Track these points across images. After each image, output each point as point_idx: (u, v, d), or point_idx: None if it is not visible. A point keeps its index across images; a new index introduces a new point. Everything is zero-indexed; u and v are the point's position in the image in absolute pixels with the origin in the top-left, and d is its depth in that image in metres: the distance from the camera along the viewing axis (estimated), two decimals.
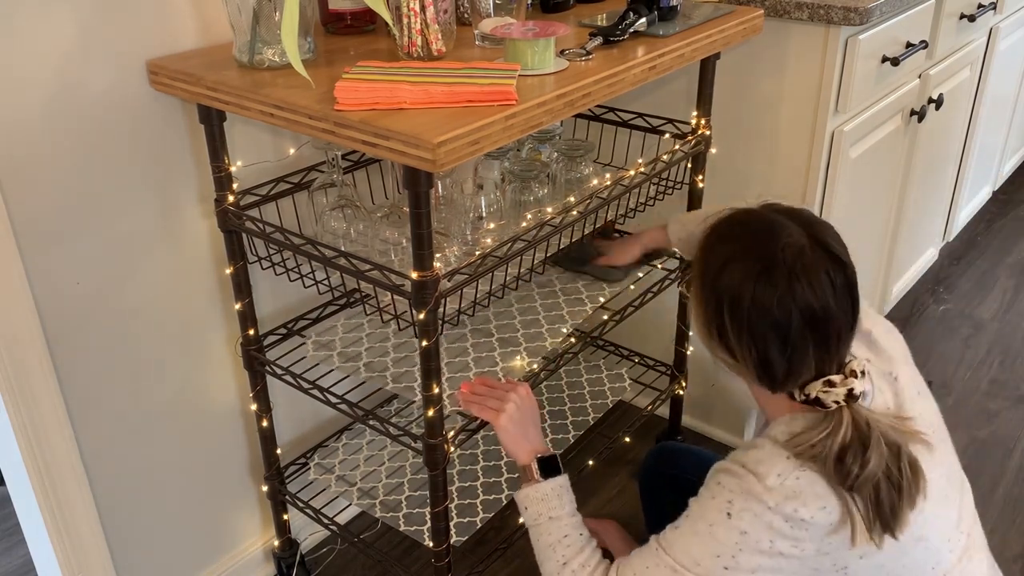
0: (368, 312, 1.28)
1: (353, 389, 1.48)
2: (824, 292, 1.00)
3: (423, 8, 1.15)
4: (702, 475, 1.44)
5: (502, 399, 1.26)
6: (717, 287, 1.04)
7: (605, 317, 1.53)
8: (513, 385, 1.29)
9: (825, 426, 1.01)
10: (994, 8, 2.24)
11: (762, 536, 1.01)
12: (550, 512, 1.21)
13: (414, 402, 1.60)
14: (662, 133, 1.64)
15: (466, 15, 1.36)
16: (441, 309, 1.13)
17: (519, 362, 1.42)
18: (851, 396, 1.01)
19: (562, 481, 1.23)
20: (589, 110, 1.70)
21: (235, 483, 1.62)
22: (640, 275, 1.64)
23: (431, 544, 1.30)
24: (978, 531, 1.15)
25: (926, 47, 1.87)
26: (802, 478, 0.99)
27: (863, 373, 1.03)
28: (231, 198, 1.30)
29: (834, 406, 1.01)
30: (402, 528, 1.45)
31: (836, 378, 1.02)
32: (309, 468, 1.60)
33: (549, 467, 1.24)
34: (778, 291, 0.99)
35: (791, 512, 0.99)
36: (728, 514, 1.03)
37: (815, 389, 1.02)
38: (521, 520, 1.23)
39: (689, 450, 1.59)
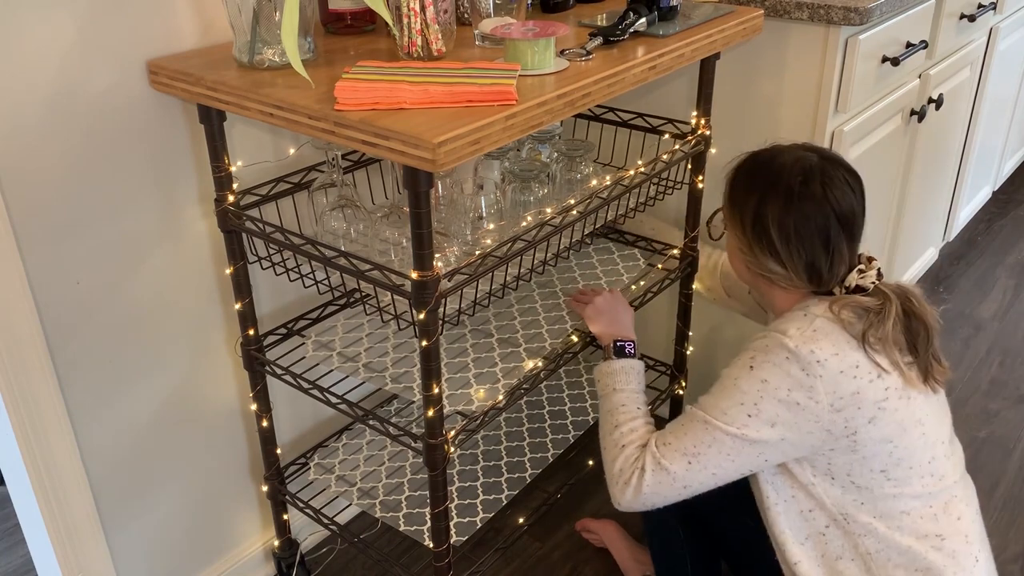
0: (368, 312, 1.28)
1: (353, 389, 1.48)
2: (848, 196, 1.19)
3: (423, 8, 1.15)
4: None
5: (593, 296, 1.51)
6: (760, 218, 1.21)
7: None
8: (608, 291, 1.52)
9: (876, 300, 1.17)
10: (994, 8, 2.24)
11: (781, 383, 1.14)
12: (615, 385, 1.37)
13: (414, 402, 1.60)
14: (662, 133, 1.64)
15: (466, 15, 1.36)
16: (441, 309, 1.13)
17: (520, 363, 1.42)
18: (879, 275, 1.21)
19: (632, 363, 1.40)
20: (589, 110, 1.70)
21: (235, 483, 1.62)
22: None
23: (431, 544, 1.30)
24: (972, 489, 1.28)
25: (926, 47, 1.87)
26: (819, 328, 1.15)
27: (871, 259, 1.24)
28: (231, 198, 1.30)
29: (871, 287, 1.19)
30: (402, 528, 1.45)
31: (862, 266, 1.21)
32: (309, 468, 1.60)
33: (624, 352, 1.42)
34: (815, 204, 1.18)
35: (807, 354, 1.13)
36: (751, 367, 1.17)
37: (853, 279, 1.20)
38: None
39: None
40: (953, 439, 1.27)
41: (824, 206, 1.18)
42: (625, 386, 1.36)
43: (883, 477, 1.18)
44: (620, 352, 1.41)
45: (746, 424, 1.17)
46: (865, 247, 1.26)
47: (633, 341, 1.43)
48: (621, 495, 1.26)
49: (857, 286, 1.20)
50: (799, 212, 1.18)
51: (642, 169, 1.43)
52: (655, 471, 1.22)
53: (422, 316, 1.09)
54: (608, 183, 1.38)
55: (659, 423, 1.98)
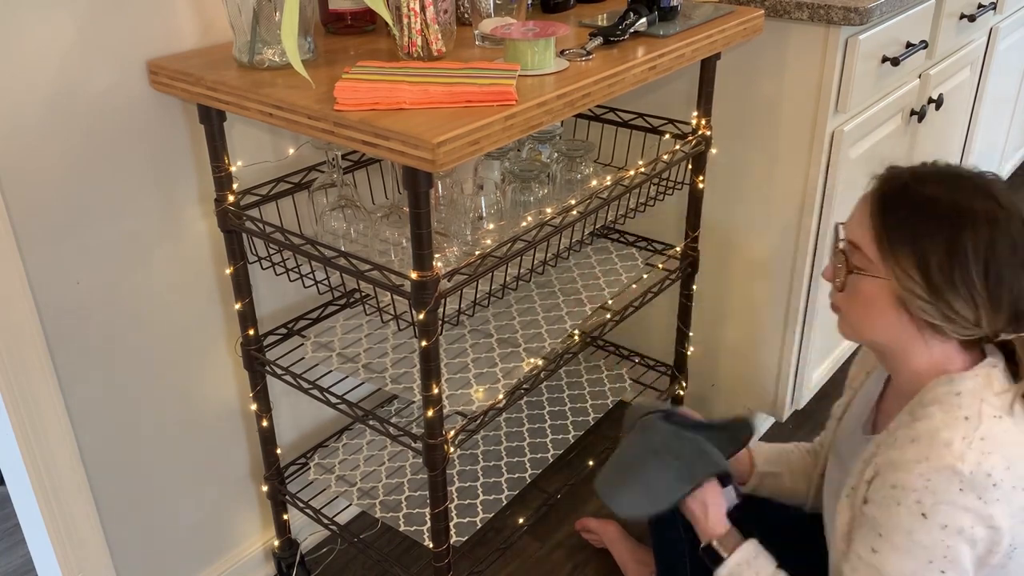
0: (368, 312, 1.28)
1: (353, 389, 1.48)
2: None
3: (423, 8, 1.15)
4: None
5: None
6: (957, 253, 0.99)
7: (608, 316, 1.54)
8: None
9: None
10: (994, 8, 2.24)
11: (963, 522, 0.96)
12: None
13: (414, 402, 1.60)
14: (662, 133, 1.64)
15: (466, 15, 1.36)
16: (441, 309, 1.13)
17: (519, 363, 1.42)
18: None
19: (740, 559, 1.19)
20: (589, 110, 1.70)
21: (235, 483, 1.62)
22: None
23: (431, 544, 1.30)
24: None
25: (926, 47, 1.86)
26: (987, 435, 0.96)
27: None
28: (231, 198, 1.30)
29: None
30: (402, 528, 1.45)
31: None
32: (309, 468, 1.60)
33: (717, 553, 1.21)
34: (1021, 224, 0.99)
35: (983, 479, 0.94)
36: (923, 515, 0.97)
37: None
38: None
39: None
40: None
41: None
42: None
43: None
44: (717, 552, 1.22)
45: None
46: None
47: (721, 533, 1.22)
48: None
49: None
50: (1007, 238, 0.99)
51: (642, 169, 1.43)
52: None
53: (422, 316, 1.09)
54: (608, 183, 1.38)
55: None
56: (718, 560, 1.21)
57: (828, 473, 1.31)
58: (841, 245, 1.11)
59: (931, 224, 1.01)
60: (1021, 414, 1.00)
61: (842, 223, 1.13)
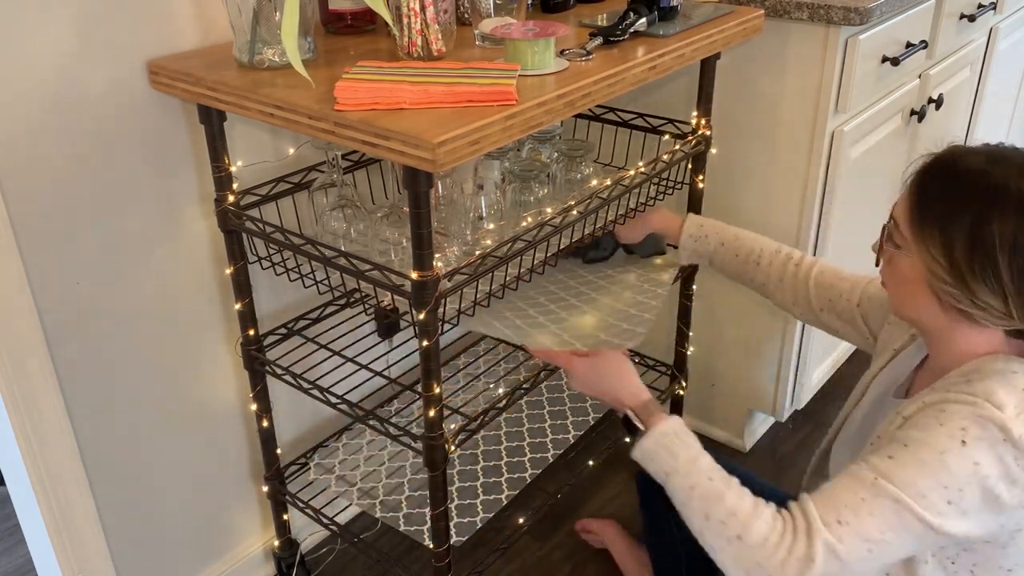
0: (368, 312, 1.28)
1: (353, 389, 1.48)
2: None
3: (423, 8, 1.15)
4: None
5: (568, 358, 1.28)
6: (982, 240, 0.94)
7: None
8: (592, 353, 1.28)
9: None
10: (994, 8, 2.24)
11: (992, 470, 0.92)
12: (666, 468, 1.09)
13: (414, 402, 1.60)
14: (662, 133, 1.64)
15: (466, 15, 1.36)
16: (441, 309, 1.13)
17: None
18: None
19: (666, 429, 1.11)
20: (589, 110, 1.70)
21: (235, 483, 1.62)
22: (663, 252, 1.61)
23: (431, 544, 1.30)
24: None
25: (926, 47, 1.86)
26: None
27: None
28: (231, 198, 1.30)
29: None
30: (402, 528, 1.45)
31: None
32: (309, 468, 1.60)
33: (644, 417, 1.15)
34: None
35: None
36: (963, 441, 0.92)
37: None
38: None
39: None
40: None
41: None
42: (674, 463, 1.09)
43: (1005, 573, 1.00)
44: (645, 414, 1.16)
45: (944, 513, 0.93)
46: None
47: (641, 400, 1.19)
48: None
49: None
50: None
51: (642, 169, 1.43)
52: (828, 560, 0.94)
53: (422, 316, 1.09)
54: (608, 183, 1.38)
55: None
56: (635, 430, 1.16)
57: (837, 448, 1.26)
58: (887, 220, 1.08)
59: (960, 203, 0.97)
60: None
61: None
